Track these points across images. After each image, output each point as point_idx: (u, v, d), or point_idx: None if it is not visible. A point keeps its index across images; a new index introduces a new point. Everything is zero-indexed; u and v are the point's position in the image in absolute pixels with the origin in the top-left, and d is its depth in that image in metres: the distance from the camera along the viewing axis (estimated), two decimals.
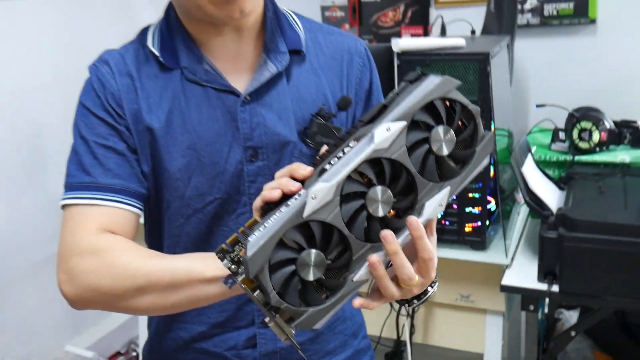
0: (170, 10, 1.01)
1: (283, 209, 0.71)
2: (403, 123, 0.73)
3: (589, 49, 2.70)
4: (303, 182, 0.74)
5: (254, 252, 0.69)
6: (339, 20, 2.99)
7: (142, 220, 1.02)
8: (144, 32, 1.03)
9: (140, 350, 2.68)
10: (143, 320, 2.23)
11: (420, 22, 2.91)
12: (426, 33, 2.93)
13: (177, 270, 0.86)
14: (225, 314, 1.04)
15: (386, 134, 0.73)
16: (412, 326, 1.76)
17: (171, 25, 1.00)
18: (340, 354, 1.12)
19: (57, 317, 2.52)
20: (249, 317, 1.04)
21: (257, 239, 0.70)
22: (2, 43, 2.21)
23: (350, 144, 0.74)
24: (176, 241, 1.02)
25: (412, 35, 2.96)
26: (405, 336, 1.72)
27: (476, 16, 2.66)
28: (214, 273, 0.83)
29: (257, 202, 0.77)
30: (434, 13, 2.92)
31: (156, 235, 1.06)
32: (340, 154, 0.74)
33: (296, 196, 0.72)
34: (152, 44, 1.00)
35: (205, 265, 0.84)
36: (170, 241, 1.03)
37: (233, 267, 0.73)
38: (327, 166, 0.74)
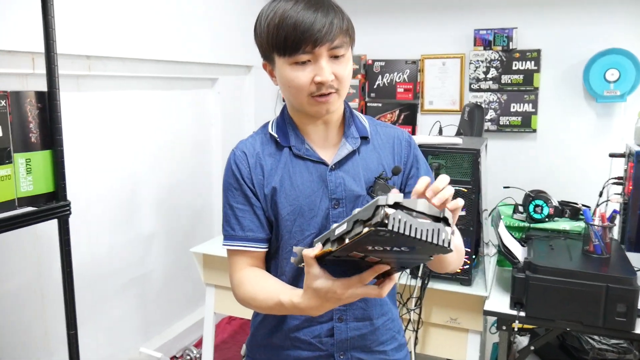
0: (284, 109, 1.18)
1: None
2: None
3: (530, 150, 2.93)
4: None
5: None
6: None
7: None
8: (265, 125, 1.19)
9: (193, 354, 2.74)
10: (209, 326, 2.32)
11: (410, 123, 3.15)
12: (414, 130, 3.17)
13: (274, 300, 1.03)
14: None
15: None
16: (416, 338, 1.83)
17: (285, 118, 1.16)
18: (390, 345, 1.19)
19: (134, 326, 2.55)
20: (329, 314, 1.12)
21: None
22: (116, 126, 2.35)
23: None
24: (285, 263, 1.13)
25: None
26: (411, 346, 1.79)
27: (448, 120, 2.89)
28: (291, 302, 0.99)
29: None
30: (419, 117, 3.17)
31: (273, 257, 1.16)
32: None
33: None
34: (271, 129, 1.16)
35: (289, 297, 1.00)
36: (282, 262, 1.13)
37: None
38: None
